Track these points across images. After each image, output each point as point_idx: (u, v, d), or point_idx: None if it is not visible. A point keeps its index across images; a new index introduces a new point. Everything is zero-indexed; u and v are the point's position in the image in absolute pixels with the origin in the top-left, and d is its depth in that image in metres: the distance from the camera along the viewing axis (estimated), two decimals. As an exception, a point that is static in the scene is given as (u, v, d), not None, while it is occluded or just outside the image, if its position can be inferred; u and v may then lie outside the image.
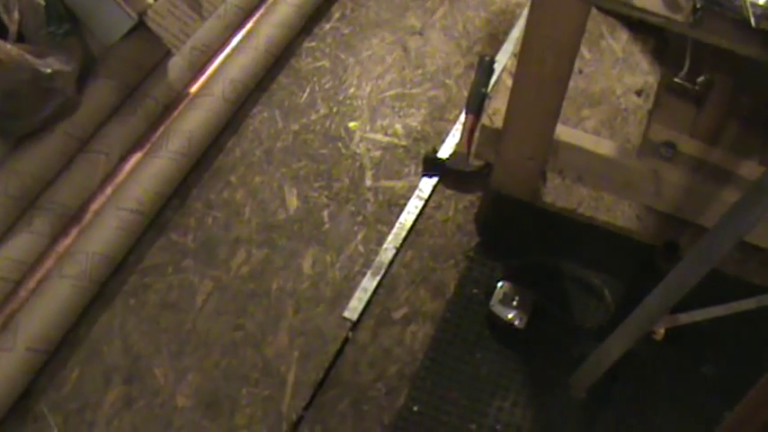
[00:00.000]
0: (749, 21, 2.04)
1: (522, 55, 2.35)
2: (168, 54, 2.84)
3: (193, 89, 2.88)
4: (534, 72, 2.37)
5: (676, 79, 2.60)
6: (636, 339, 2.14)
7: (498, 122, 2.55)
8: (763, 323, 2.44)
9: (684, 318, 2.15)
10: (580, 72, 3.04)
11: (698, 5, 2.10)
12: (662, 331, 2.43)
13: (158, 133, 2.74)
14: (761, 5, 2.02)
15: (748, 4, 2.05)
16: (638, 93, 3.02)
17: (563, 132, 2.57)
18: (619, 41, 3.17)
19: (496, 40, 3.18)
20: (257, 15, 3.10)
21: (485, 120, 2.58)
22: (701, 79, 2.60)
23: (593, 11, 2.94)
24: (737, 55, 2.13)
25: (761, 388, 1.64)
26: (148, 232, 2.61)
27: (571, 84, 2.93)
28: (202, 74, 2.93)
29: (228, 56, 2.96)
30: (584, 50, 3.12)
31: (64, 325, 2.36)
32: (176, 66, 2.86)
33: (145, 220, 2.57)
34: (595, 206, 2.72)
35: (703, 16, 2.10)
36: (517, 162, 2.58)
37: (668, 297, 1.98)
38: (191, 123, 2.71)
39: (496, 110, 2.58)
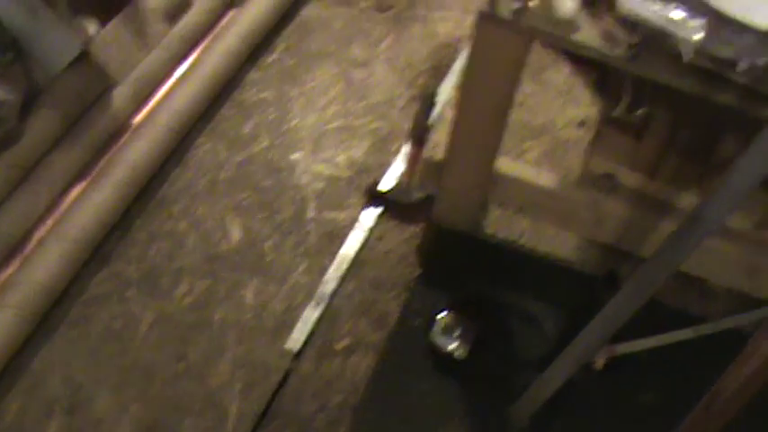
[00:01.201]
0: (682, 56, 2.09)
1: (464, 88, 2.39)
2: (112, 84, 2.84)
3: (137, 119, 2.88)
4: (475, 105, 2.40)
5: (615, 112, 2.64)
6: (575, 370, 2.17)
7: (440, 154, 2.58)
8: (701, 352, 2.47)
9: (623, 348, 2.19)
10: (522, 104, 3.08)
11: (634, 40, 2.15)
12: (601, 361, 2.45)
13: (102, 163, 2.74)
14: (693, 42, 2.07)
15: (681, 40, 2.10)
16: (580, 125, 3.06)
17: (504, 164, 2.61)
18: (561, 74, 3.22)
19: (440, 72, 3.22)
20: (202, 46, 3.11)
21: (426, 152, 2.61)
22: (640, 112, 2.64)
23: (536, 44, 2.98)
24: (676, 88, 2.18)
25: (694, 418, 1.67)
26: (91, 263, 2.60)
27: (513, 116, 2.96)
28: (147, 104, 2.94)
29: (173, 86, 2.97)
30: (526, 83, 3.16)
31: (5, 355, 2.35)
32: (120, 96, 2.86)
33: (88, 251, 2.57)
34: (537, 237, 2.75)
35: (640, 51, 2.15)
36: (459, 194, 2.61)
37: (606, 328, 2.02)
38: (135, 154, 2.71)
39: (438, 142, 2.62)
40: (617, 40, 2.19)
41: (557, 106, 3.06)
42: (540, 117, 3.03)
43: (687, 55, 2.07)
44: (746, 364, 1.48)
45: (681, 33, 2.09)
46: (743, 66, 2.12)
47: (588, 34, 2.19)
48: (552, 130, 2.99)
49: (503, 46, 2.26)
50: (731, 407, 1.55)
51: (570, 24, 2.20)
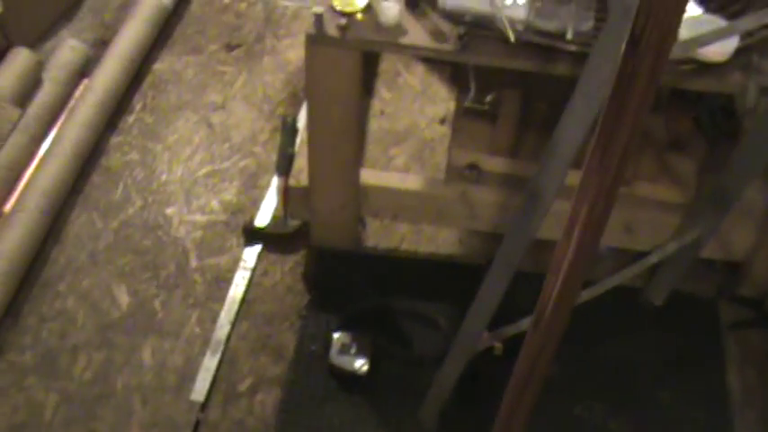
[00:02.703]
0: (509, 37, 2.14)
1: (310, 109, 2.43)
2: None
3: (7, 208, 2.87)
4: (324, 125, 2.45)
5: (467, 103, 2.69)
6: (466, 360, 2.21)
7: (304, 180, 2.62)
8: (595, 317, 2.54)
9: (512, 329, 2.22)
10: (382, 113, 3.13)
11: (462, 32, 2.20)
12: (500, 345, 2.49)
13: (-22, 259, 2.73)
14: (518, 21, 2.13)
15: (506, 22, 2.16)
16: (442, 121, 3.11)
17: (369, 176, 2.65)
18: (415, 75, 3.28)
19: (298, 99, 3.26)
20: (60, 121, 3.12)
21: (291, 180, 2.64)
22: (489, 98, 2.70)
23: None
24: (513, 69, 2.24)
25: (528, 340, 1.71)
26: (-15, 358, 2.59)
27: (375, 125, 3.02)
28: (14, 191, 2.93)
29: (38, 167, 2.96)
30: (383, 91, 3.21)
31: None
32: (-14, 187, 2.86)
33: (-21, 347, 2.56)
34: (417, 240, 2.81)
35: (469, 41, 2.20)
36: (330, 214, 2.65)
37: (483, 314, 2.06)
38: (9, 243, 2.71)
39: (302, 168, 2.65)
40: (445, 36, 2.24)
41: (416, 108, 3.12)
42: (402, 122, 3.08)
43: (516, 34, 2.13)
44: (554, 278, 1.53)
45: (505, 15, 2.15)
46: (570, 34, 2.18)
47: (416, 35, 2.24)
48: (416, 132, 3.05)
49: (336, 63, 2.31)
50: (555, 320, 1.60)
51: (398, 29, 2.25)
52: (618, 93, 1.24)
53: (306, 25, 2.23)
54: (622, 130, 1.28)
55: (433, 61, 3.24)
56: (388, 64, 3.33)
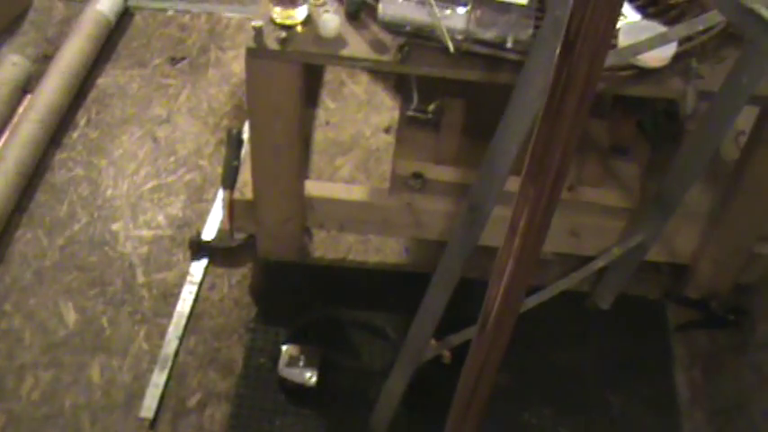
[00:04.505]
0: (449, 48, 2.15)
1: (252, 122, 2.43)
2: None
3: (-50, 229, 2.85)
4: (266, 138, 2.44)
5: (410, 112, 2.70)
6: (415, 369, 2.21)
7: (249, 193, 2.61)
8: (542, 322, 2.55)
9: (458, 338, 2.23)
10: (327, 123, 3.13)
11: (402, 43, 2.21)
12: (447, 354, 2.51)
13: None
14: (458, 31, 2.13)
15: (446, 33, 2.16)
16: (386, 130, 3.12)
17: (313, 187, 2.65)
18: (360, 84, 3.28)
19: (243, 111, 3.25)
20: (2, 139, 3.09)
21: (236, 193, 2.64)
22: (432, 106, 2.71)
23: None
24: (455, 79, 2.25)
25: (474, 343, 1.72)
26: (-71, 383, 2.56)
27: (320, 136, 3.02)
28: (-43, 212, 2.90)
29: (-19, 187, 2.93)
30: (327, 101, 3.21)
31: None
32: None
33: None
34: (364, 250, 2.81)
35: (410, 52, 2.21)
36: (276, 227, 2.65)
37: (427, 323, 2.07)
38: (-48, 264, 2.68)
39: (246, 181, 2.65)
40: (385, 47, 2.24)
41: (361, 117, 3.12)
42: (347, 131, 3.09)
43: (456, 43, 2.14)
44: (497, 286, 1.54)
45: (445, 25, 2.16)
46: (510, 43, 2.19)
47: (356, 47, 2.25)
48: (361, 141, 3.05)
49: (276, 76, 2.31)
50: (499, 327, 1.61)
51: (338, 41, 2.25)
52: (553, 100, 1.25)
53: (247, 38, 2.23)
54: (559, 138, 1.28)
55: (376, 71, 3.25)
56: (332, 74, 3.33)
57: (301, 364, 2.50)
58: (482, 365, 1.74)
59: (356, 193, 2.67)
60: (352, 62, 2.29)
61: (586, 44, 1.18)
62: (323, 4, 2.24)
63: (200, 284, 2.76)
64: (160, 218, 2.94)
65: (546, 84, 1.44)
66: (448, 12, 2.16)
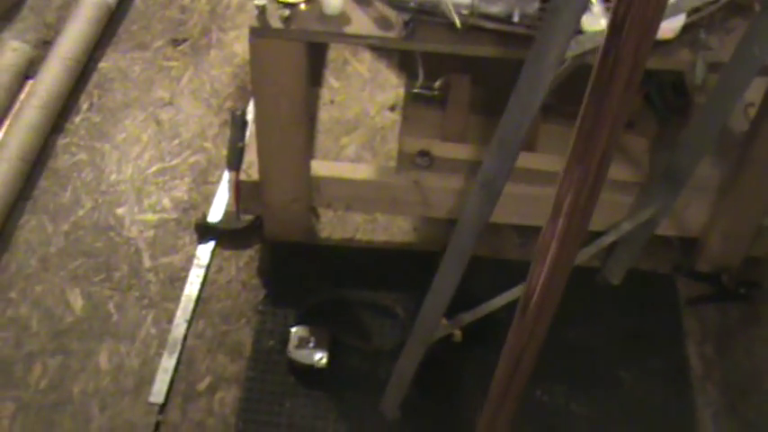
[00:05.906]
0: (455, 23, 2.13)
1: (257, 102, 2.41)
2: None
3: (-46, 215, 2.83)
4: (272, 118, 2.42)
5: (415, 89, 2.68)
6: (424, 349, 2.19)
7: (255, 174, 2.59)
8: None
9: (469, 316, 2.21)
10: (332, 102, 3.11)
11: (407, 19, 2.18)
12: (458, 332, 2.49)
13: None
14: (464, 6, 2.11)
15: (452, 8, 2.14)
16: (391, 108, 3.10)
17: (320, 167, 2.63)
18: (364, 63, 3.26)
19: (246, 92, 3.23)
20: (5, 126, 3.06)
21: (242, 174, 2.62)
22: (438, 83, 2.69)
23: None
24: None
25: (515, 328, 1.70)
26: (-63, 372, 2.55)
27: (325, 115, 3.01)
28: (-40, 198, 2.88)
29: (-16, 173, 2.92)
30: (331, 80, 3.20)
31: None
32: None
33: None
34: (372, 229, 2.79)
35: (415, 28, 2.18)
36: (283, 207, 2.63)
37: (439, 302, 2.04)
38: (-43, 251, 2.67)
39: (251, 162, 2.62)
40: (390, 23, 2.22)
41: (366, 96, 3.10)
42: (351, 110, 3.07)
43: (462, 19, 2.11)
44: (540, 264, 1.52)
45: (450, 0, 2.14)
46: (516, 17, 2.17)
47: (361, 24, 2.23)
48: (366, 120, 3.04)
49: (281, 55, 2.29)
50: (543, 307, 1.59)
51: (342, 19, 2.23)
52: (600, 82, 1.24)
53: (250, 18, 2.20)
54: (606, 119, 1.27)
55: (380, 48, 3.22)
56: (335, 52, 3.30)
57: (311, 345, 2.49)
58: (522, 350, 1.72)
59: (363, 171, 2.65)
60: (357, 39, 2.27)
61: (635, 25, 1.16)
62: (326, -18, 2.21)
63: (208, 267, 2.75)
64: (165, 201, 2.92)
65: (556, 59, 1.43)
66: (454, -15, 2.14)
